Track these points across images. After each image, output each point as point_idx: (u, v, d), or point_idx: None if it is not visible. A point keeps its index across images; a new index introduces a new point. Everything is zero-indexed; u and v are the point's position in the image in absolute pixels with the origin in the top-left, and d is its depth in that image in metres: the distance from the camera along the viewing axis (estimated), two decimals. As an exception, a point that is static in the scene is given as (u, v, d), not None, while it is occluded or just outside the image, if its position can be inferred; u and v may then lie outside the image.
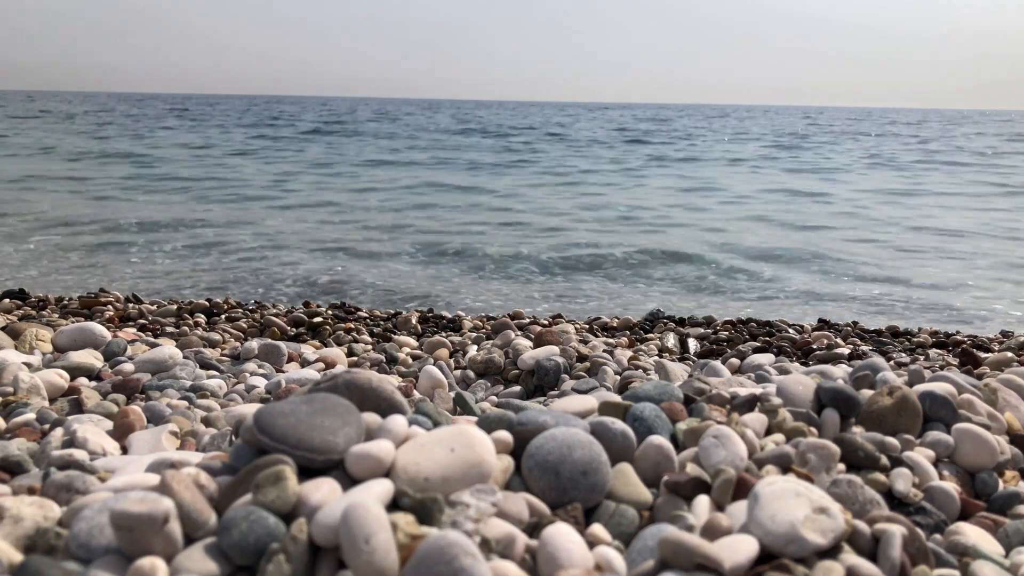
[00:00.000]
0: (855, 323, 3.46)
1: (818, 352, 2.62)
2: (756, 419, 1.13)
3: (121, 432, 1.49)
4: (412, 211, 8.76)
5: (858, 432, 1.16)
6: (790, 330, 3.22)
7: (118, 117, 31.60)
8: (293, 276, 5.24)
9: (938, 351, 2.81)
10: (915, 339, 3.08)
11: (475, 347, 2.55)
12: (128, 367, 1.95)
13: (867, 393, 1.26)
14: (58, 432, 1.39)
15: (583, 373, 2.19)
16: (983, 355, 2.45)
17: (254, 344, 2.32)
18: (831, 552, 0.82)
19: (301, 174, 12.60)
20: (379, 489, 0.82)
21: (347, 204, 9.29)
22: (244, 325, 2.86)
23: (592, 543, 0.87)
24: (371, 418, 0.98)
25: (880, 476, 1.04)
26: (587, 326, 3.21)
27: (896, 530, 0.85)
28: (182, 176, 11.73)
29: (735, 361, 2.40)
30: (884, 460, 1.06)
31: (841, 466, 1.05)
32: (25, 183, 10.13)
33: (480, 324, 3.13)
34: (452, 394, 1.86)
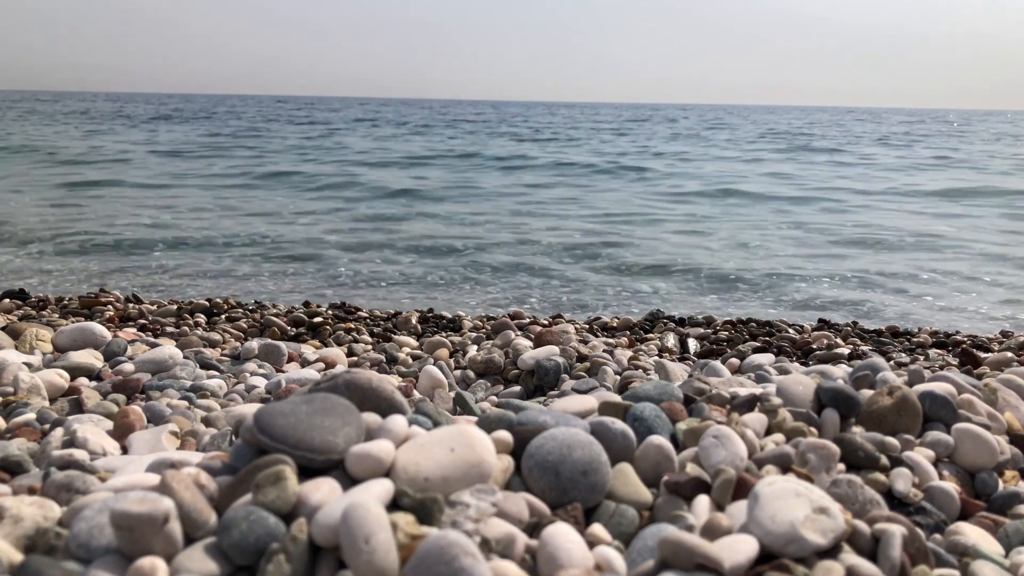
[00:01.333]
0: (855, 323, 3.46)
1: (818, 352, 2.62)
2: (756, 419, 1.13)
3: (121, 432, 1.49)
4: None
5: (858, 432, 1.16)
6: (790, 330, 3.22)
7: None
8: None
9: (938, 351, 2.81)
10: (915, 339, 3.08)
11: (475, 347, 2.55)
12: (128, 367, 1.95)
13: (867, 393, 1.26)
14: (58, 432, 1.39)
15: (583, 373, 2.19)
16: (983, 355, 2.45)
17: (254, 344, 2.32)
18: (831, 552, 0.82)
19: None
20: (379, 489, 0.82)
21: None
22: (244, 325, 2.86)
23: (592, 543, 0.87)
24: (371, 418, 0.98)
25: (880, 476, 1.04)
26: (587, 326, 3.21)
27: (896, 530, 0.85)
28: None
29: (735, 361, 2.40)
30: (884, 460, 1.06)
31: (841, 466, 1.05)
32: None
33: (480, 324, 3.13)
34: (452, 394, 1.86)
